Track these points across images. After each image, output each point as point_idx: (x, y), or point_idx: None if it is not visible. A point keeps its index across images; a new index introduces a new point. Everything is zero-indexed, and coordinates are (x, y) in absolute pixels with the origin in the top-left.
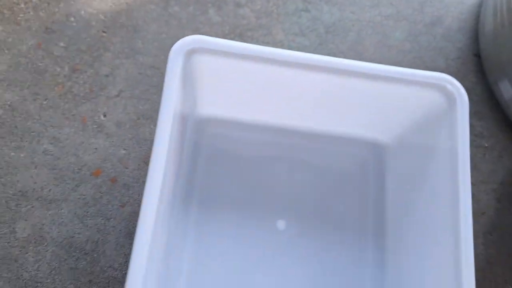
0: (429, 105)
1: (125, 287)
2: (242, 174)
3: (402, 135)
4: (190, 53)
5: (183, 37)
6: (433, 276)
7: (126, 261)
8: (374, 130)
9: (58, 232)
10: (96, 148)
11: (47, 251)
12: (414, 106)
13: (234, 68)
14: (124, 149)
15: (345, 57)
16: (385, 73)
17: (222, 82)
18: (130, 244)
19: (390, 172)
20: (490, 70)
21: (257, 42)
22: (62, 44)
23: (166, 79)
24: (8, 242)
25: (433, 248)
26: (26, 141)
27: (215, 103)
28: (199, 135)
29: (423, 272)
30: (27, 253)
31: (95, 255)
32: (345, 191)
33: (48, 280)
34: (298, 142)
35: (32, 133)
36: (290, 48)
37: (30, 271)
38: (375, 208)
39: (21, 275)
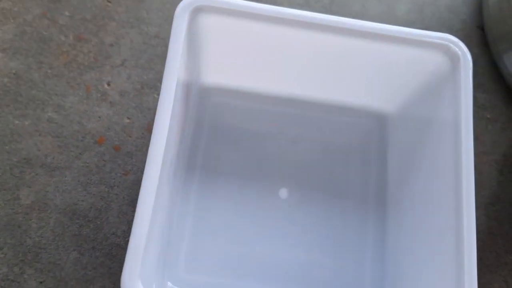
0: (432, 69)
1: (127, 253)
2: (244, 143)
3: (405, 104)
4: (197, 11)
5: None
6: (433, 245)
7: (129, 228)
8: (377, 99)
9: (62, 199)
10: (100, 117)
11: (50, 218)
12: (417, 71)
13: (240, 30)
14: (128, 118)
15: None
16: (388, 32)
17: (227, 47)
18: (133, 211)
19: (392, 142)
20: (493, 42)
21: None
22: (67, 13)
23: (171, 38)
24: (12, 209)
25: (434, 218)
26: (31, 109)
27: (219, 71)
28: (202, 103)
29: (423, 241)
30: (30, 219)
31: (98, 222)
32: (348, 161)
33: (52, 246)
34: (300, 112)
35: (36, 101)
36: None
37: (33, 238)
38: (377, 178)
39: (25, 241)
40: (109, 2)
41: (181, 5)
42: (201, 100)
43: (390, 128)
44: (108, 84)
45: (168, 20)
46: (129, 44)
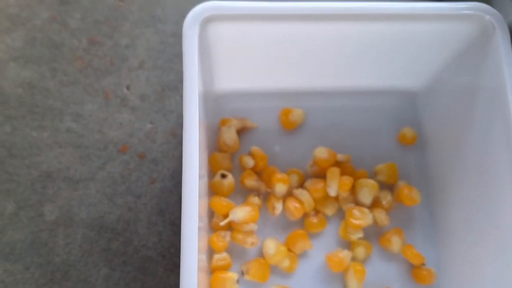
0: (463, 40)
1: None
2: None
3: (435, 79)
4: (206, 22)
5: (203, 0)
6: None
7: (160, 240)
8: (404, 78)
9: (88, 212)
10: (121, 123)
11: (77, 233)
12: (446, 44)
13: (253, 32)
14: (150, 123)
15: None
16: (411, 10)
17: (240, 50)
18: (163, 221)
19: (426, 120)
20: None
21: None
22: (78, 15)
23: (185, 54)
24: (37, 226)
25: (489, 196)
26: (48, 119)
27: (234, 76)
28: (219, 111)
29: (474, 225)
30: (57, 236)
31: (128, 234)
32: (382, 147)
33: (81, 263)
34: (326, 103)
35: (53, 111)
36: None
37: (61, 255)
38: (415, 161)
39: (52, 259)
40: (122, 1)
41: (188, 18)
42: (217, 108)
43: (421, 107)
44: (128, 88)
45: (184, 17)
46: (145, 45)
